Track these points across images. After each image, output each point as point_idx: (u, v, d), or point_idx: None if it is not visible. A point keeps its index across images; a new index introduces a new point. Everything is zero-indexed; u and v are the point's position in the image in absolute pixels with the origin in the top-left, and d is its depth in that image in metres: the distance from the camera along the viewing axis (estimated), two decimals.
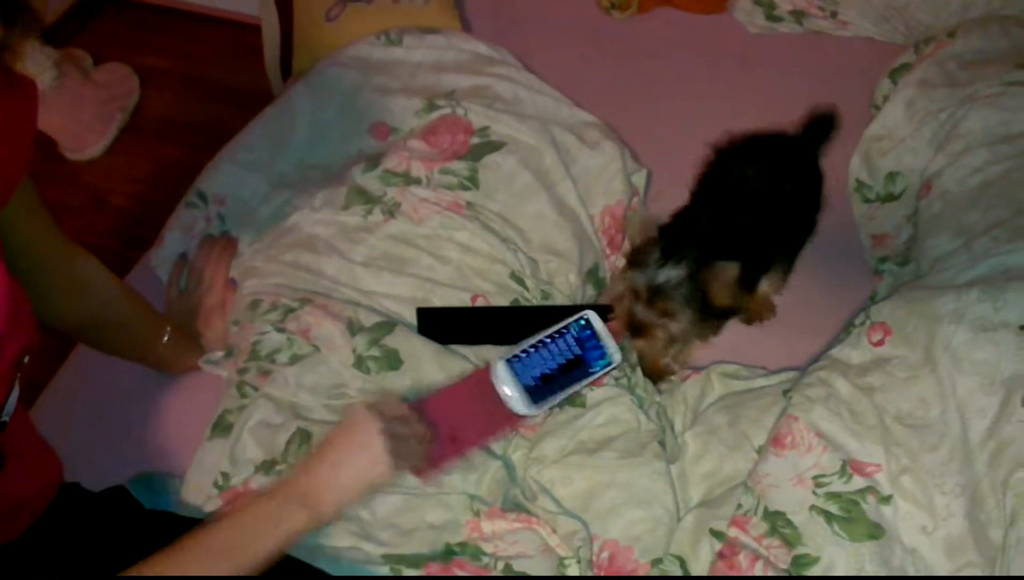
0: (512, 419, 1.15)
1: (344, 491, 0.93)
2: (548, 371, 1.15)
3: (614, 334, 1.22)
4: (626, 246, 1.29)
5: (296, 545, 0.90)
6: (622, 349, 1.27)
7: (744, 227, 1.24)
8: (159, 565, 0.80)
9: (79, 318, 1.12)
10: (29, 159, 0.89)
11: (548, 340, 1.17)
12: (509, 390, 1.13)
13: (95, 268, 1.12)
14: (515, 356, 1.15)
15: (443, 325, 1.28)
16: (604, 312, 1.22)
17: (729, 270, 1.15)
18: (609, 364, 1.19)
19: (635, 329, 1.21)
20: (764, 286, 1.30)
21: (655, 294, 1.18)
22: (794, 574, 1.01)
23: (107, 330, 1.18)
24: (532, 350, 1.16)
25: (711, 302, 1.18)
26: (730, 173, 1.31)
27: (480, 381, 1.15)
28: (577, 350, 1.18)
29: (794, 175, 1.32)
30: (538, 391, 1.14)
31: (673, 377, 1.30)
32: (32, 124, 0.87)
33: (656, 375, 1.28)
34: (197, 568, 0.82)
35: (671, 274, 1.17)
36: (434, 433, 1.08)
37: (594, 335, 1.20)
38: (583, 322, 1.20)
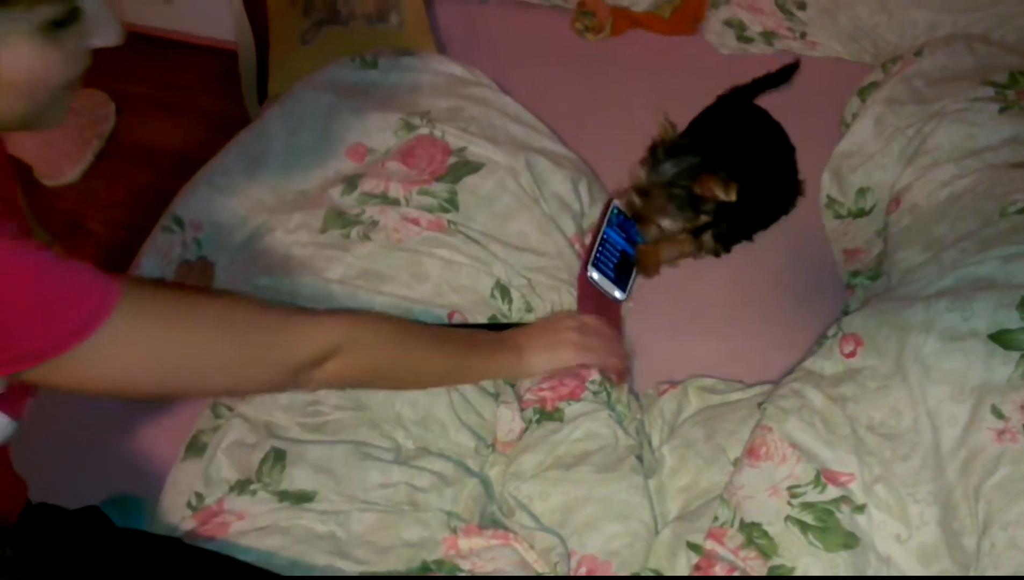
0: (616, 307, 1.38)
1: (543, 360, 1.22)
2: (616, 261, 1.39)
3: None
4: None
5: (496, 376, 1.24)
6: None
7: (744, 158, 1.38)
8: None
9: None
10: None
11: (604, 237, 1.39)
12: (609, 287, 1.37)
13: None
14: (595, 261, 1.36)
15: None
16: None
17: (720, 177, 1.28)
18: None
19: (636, 218, 1.39)
20: (667, 248, 1.42)
21: (653, 188, 1.33)
22: None
23: None
24: (600, 250, 1.38)
25: (699, 198, 1.31)
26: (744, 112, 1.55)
27: (582, 288, 1.37)
28: (623, 235, 1.41)
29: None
30: (619, 281, 1.37)
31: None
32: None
33: (650, 267, 1.43)
34: (432, 348, 1.12)
35: (668, 171, 1.32)
36: None
37: (625, 217, 1.42)
38: (615, 210, 1.42)
